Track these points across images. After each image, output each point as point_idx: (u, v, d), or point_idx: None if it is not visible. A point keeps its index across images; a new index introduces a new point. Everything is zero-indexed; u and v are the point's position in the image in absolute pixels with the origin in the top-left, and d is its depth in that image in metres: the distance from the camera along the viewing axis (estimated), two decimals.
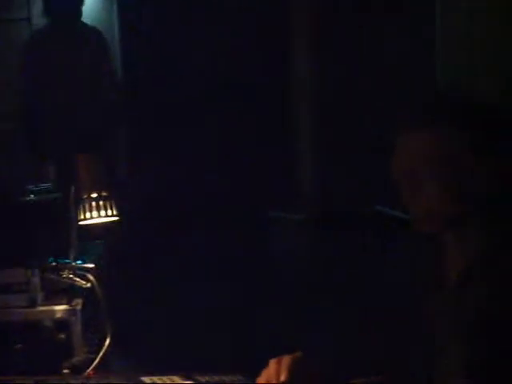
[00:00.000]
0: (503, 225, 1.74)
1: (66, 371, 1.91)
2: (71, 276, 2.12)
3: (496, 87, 3.54)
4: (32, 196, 2.32)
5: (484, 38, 3.67)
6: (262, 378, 1.89)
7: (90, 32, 4.34)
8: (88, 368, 2.08)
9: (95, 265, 2.07)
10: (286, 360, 1.88)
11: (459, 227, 1.74)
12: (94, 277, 2.08)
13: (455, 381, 1.66)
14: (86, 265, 2.10)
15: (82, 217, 2.04)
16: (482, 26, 3.69)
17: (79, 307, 2.13)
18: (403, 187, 1.76)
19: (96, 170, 2.05)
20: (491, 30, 3.67)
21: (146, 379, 1.96)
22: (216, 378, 2.03)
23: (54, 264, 2.13)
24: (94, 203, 2.00)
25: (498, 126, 1.78)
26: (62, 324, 2.15)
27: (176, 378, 2.00)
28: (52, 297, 2.20)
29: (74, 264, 2.11)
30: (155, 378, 1.98)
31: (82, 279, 2.12)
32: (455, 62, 3.86)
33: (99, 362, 2.08)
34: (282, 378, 1.84)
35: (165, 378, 1.99)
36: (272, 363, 1.89)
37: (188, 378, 2.00)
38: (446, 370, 1.70)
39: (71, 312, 2.12)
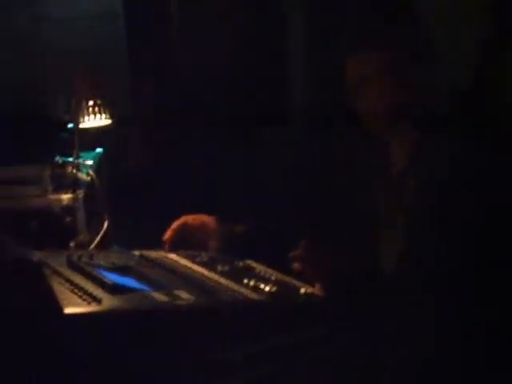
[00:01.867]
0: (436, 123, 2.01)
1: (71, 245, 2.35)
2: (75, 171, 2.57)
3: None
4: None
5: None
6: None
7: None
8: (90, 246, 2.54)
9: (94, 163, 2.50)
10: (175, 223, 2.25)
11: (401, 125, 2.00)
12: (94, 171, 2.52)
13: (396, 248, 1.95)
14: (86, 162, 2.54)
15: (81, 120, 2.48)
16: None
17: (81, 196, 2.56)
18: (356, 93, 2.02)
19: (92, 79, 2.48)
20: None
21: (135, 252, 2.27)
22: (194, 253, 2.40)
23: (60, 162, 2.58)
24: (90, 109, 2.43)
25: (431, 45, 2.06)
26: (69, 209, 2.57)
27: (161, 252, 2.30)
28: (60, 188, 2.63)
29: (76, 161, 2.55)
30: (144, 252, 2.28)
31: (83, 174, 2.56)
32: None
33: (99, 242, 2.54)
34: (166, 236, 2.23)
35: (152, 252, 2.31)
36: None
37: (171, 252, 2.29)
38: (389, 240, 1.99)
39: (75, 200, 2.54)
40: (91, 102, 2.42)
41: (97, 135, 2.70)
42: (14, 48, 4.73)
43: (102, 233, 2.51)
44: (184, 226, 2.28)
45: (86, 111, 2.43)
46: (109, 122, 2.51)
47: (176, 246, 2.25)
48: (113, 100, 2.49)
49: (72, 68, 2.64)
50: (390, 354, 1.90)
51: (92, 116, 2.43)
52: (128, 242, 2.52)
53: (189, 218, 2.28)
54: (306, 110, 4.56)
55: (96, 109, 2.42)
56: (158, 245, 2.34)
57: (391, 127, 2.02)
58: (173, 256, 2.26)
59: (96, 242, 2.49)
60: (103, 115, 2.45)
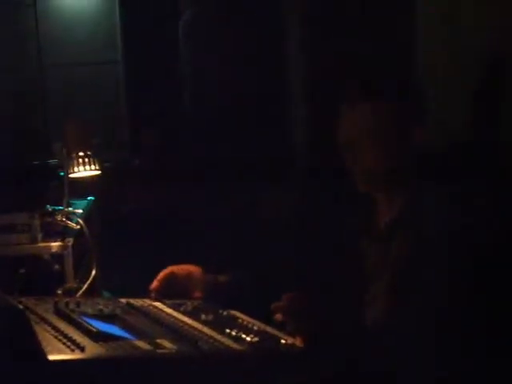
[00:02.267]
0: (422, 184, 2.04)
1: (59, 292, 2.39)
2: (64, 219, 2.62)
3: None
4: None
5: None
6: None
7: None
8: (77, 293, 2.58)
9: (84, 211, 2.56)
10: (162, 272, 2.28)
11: (389, 186, 2.04)
12: (83, 220, 2.57)
13: (382, 302, 1.98)
14: (76, 210, 2.59)
15: (71, 171, 2.54)
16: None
17: (70, 244, 2.60)
18: (349, 151, 2.02)
19: (82, 133, 2.54)
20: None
21: (122, 300, 2.38)
22: (179, 302, 2.45)
23: (50, 210, 2.63)
24: (80, 160, 2.50)
25: (425, 101, 2.07)
26: (57, 257, 2.63)
27: (147, 300, 2.42)
28: (49, 236, 2.67)
29: (66, 210, 2.60)
30: (130, 300, 2.40)
31: (72, 222, 2.61)
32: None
33: (87, 289, 2.57)
34: (152, 285, 2.26)
35: (138, 300, 2.44)
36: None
37: (157, 301, 2.44)
38: (375, 294, 2.02)
39: (64, 248, 2.57)
40: (81, 153, 2.49)
41: (90, 183, 2.76)
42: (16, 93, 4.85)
43: (89, 280, 2.55)
44: (170, 275, 2.32)
45: (75, 162, 2.49)
46: (97, 172, 2.58)
47: (162, 294, 2.29)
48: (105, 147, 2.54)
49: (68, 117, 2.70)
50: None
51: (81, 167, 2.50)
52: (117, 289, 2.55)
53: (175, 268, 2.33)
54: (298, 160, 4.62)
55: (86, 160, 2.49)
56: (145, 291, 2.36)
57: (383, 187, 2.06)
58: (158, 304, 2.28)
59: (83, 289, 2.53)
60: (92, 166, 2.52)
